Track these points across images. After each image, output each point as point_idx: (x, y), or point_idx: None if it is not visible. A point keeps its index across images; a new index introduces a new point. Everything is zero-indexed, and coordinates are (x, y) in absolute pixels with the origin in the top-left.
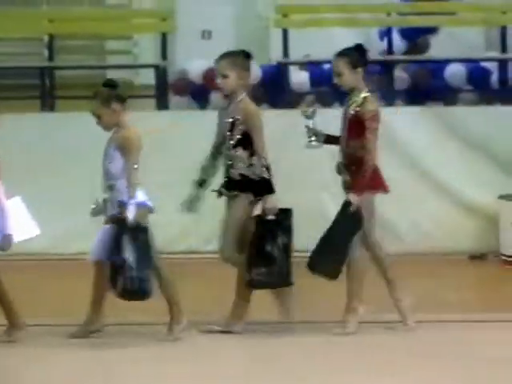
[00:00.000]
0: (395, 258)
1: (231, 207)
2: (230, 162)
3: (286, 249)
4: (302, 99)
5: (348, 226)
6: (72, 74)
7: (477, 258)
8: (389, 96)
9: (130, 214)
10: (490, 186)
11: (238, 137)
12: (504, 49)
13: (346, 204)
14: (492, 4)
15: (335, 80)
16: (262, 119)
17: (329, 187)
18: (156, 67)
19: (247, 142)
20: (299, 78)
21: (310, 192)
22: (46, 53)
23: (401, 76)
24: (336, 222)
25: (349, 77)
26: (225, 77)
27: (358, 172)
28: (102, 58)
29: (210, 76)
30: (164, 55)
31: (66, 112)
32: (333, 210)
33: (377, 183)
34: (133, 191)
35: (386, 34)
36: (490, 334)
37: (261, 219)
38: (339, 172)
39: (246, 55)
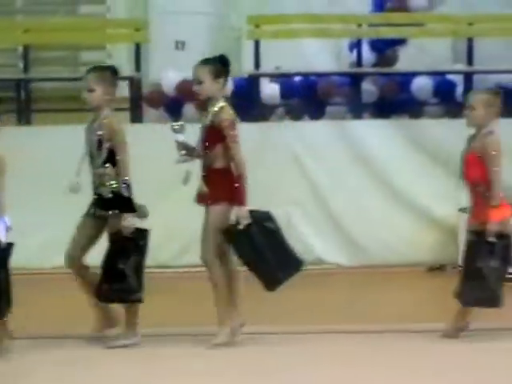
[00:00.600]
0: (357, 269)
1: (108, 226)
2: (99, 180)
3: (138, 267)
4: (273, 111)
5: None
6: (46, 86)
7: (435, 269)
8: (356, 109)
9: (2, 235)
10: (452, 198)
11: (106, 154)
12: (470, 61)
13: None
14: (460, 15)
15: (195, 87)
16: (125, 135)
17: (299, 201)
18: (130, 79)
19: (115, 158)
20: (269, 90)
21: (279, 205)
22: (20, 64)
23: (369, 89)
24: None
25: (209, 86)
26: (91, 91)
27: (221, 183)
28: (77, 69)
29: (183, 88)
30: (138, 67)
31: (43, 125)
32: (303, 224)
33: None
34: (1, 211)
35: (356, 45)
36: (443, 344)
37: (116, 237)
38: (185, 183)
39: (114, 71)
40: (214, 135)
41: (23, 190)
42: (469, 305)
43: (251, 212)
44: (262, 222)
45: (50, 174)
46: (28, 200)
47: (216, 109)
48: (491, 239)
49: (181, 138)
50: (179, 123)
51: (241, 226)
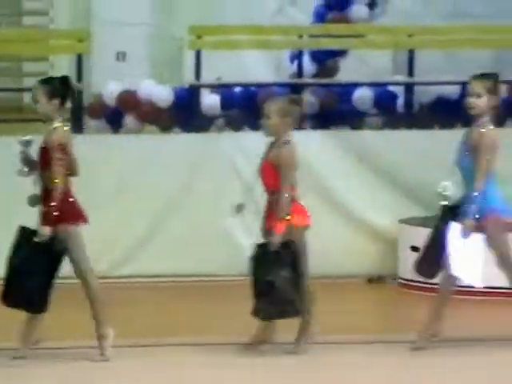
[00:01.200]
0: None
1: None
2: None
3: None
4: (213, 122)
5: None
6: None
7: (374, 281)
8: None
9: None
10: (392, 209)
11: None
12: (411, 72)
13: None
14: (400, 27)
15: (35, 106)
16: None
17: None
18: None
19: None
20: (210, 100)
21: (218, 216)
22: None
23: (309, 100)
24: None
25: (45, 106)
26: None
27: (47, 203)
28: (20, 80)
29: (124, 99)
30: (79, 77)
31: None
32: (241, 235)
33: (75, 215)
34: None
35: (297, 56)
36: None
37: None
38: (32, 204)
39: None
40: (46, 156)
41: None
42: (268, 319)
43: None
44: (46, 248)
45: None
46: None
47: (50, 129)
48: (276, 249)
49: (27, 152)
50: (27, 138)
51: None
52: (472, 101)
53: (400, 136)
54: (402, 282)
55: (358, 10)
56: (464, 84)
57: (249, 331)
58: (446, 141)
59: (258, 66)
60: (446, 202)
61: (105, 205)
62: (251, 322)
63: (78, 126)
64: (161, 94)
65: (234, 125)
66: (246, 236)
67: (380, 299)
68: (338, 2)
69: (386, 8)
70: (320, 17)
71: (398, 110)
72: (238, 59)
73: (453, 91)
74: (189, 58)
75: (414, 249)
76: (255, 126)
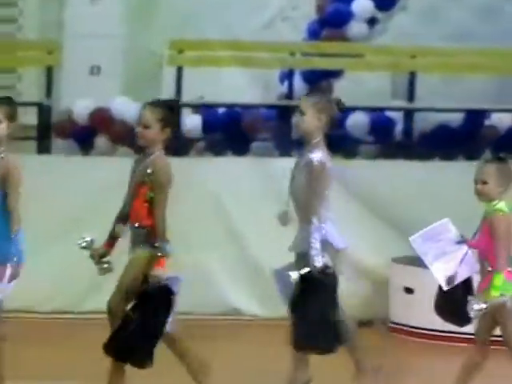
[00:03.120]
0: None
1: None
2: None
3: None
4: (194, 146)
5: None
6: None
7: (364, 324)
8: (284, 145)
9: None
10: (384, 247)
11: None
12: (411, 97)
13: None
14: (402, 47)
15: None
16: None
17: (217, 245)
18: (39, 105)
19: None
20: (191, 122)
21: (195, 249)
22: None
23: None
24: None
25: None
26: None
27: None
28: None
29: (96, 117)
30: (49, 92)
31: None
32: (220, 270)
33: None
34: None
35: (288, 76)
36: None
37: None
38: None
39: None
40: None
41: None
42: None
43: None
44: None
45: None
46: None
47: None
48: None
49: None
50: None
51: None
52: None
53: (396, 167)
54: (392, 325)
55: (357, 27)
56: (468, 111)
57: None
58: (446, 173)
59: (244, 86)
60: None
61: (76, 229)
62: None
63: (44, 146)
64: (136, 112)
65: (216, 149)
66: (223, 271)
67: (369, 345)
68: (335, 17)
69: (387, 26)
70: (314, 34)
71: (396, 138)
72: (221, 77)
73: (455, 119)
74: (168, 74)
75: (408, 290)
76: (239, 151)
